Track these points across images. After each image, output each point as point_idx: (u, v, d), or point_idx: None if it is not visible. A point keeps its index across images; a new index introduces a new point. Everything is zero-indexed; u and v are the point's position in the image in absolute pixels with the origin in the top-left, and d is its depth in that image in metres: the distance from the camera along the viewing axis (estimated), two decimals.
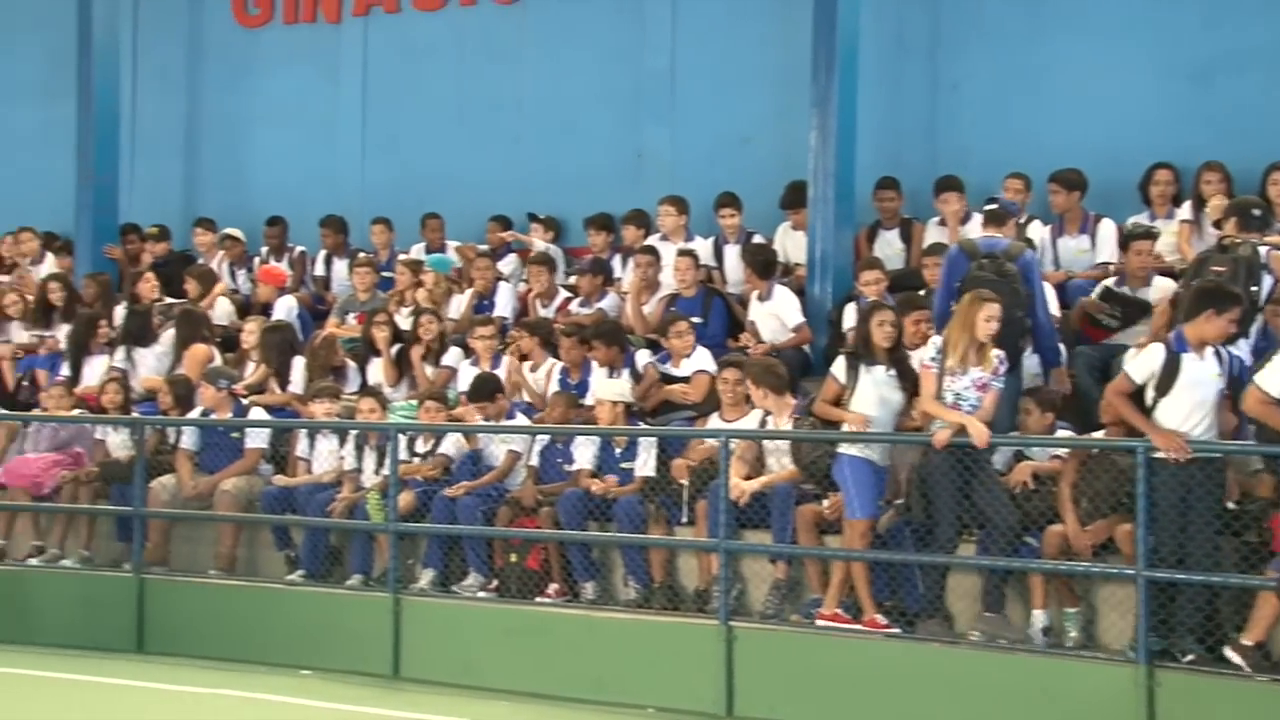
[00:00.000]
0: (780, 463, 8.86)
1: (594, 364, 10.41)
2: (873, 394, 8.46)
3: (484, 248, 12.80)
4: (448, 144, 14.27)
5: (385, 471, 9.75)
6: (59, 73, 14.89)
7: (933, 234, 10.97)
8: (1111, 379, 8.11)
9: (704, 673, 8.44)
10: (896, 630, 8.18)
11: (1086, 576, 7.91)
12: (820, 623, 8.34)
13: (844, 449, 8.35)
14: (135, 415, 11.18)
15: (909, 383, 8.47)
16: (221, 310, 12.91)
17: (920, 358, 8.30)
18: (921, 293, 9.57)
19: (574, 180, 13.41)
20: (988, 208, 9.03)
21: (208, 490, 10.55)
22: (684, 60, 13.12)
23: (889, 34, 11.96)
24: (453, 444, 10.10)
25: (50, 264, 14.21)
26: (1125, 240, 9.98)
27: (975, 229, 9.83)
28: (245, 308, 13.20)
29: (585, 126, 13.65)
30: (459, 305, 12.10)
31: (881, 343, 8.52)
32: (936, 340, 8.17)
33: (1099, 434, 8.22)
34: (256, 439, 10.75)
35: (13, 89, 16.05)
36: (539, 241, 12.90)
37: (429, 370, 11.20)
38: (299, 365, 11.48)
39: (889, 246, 11.18)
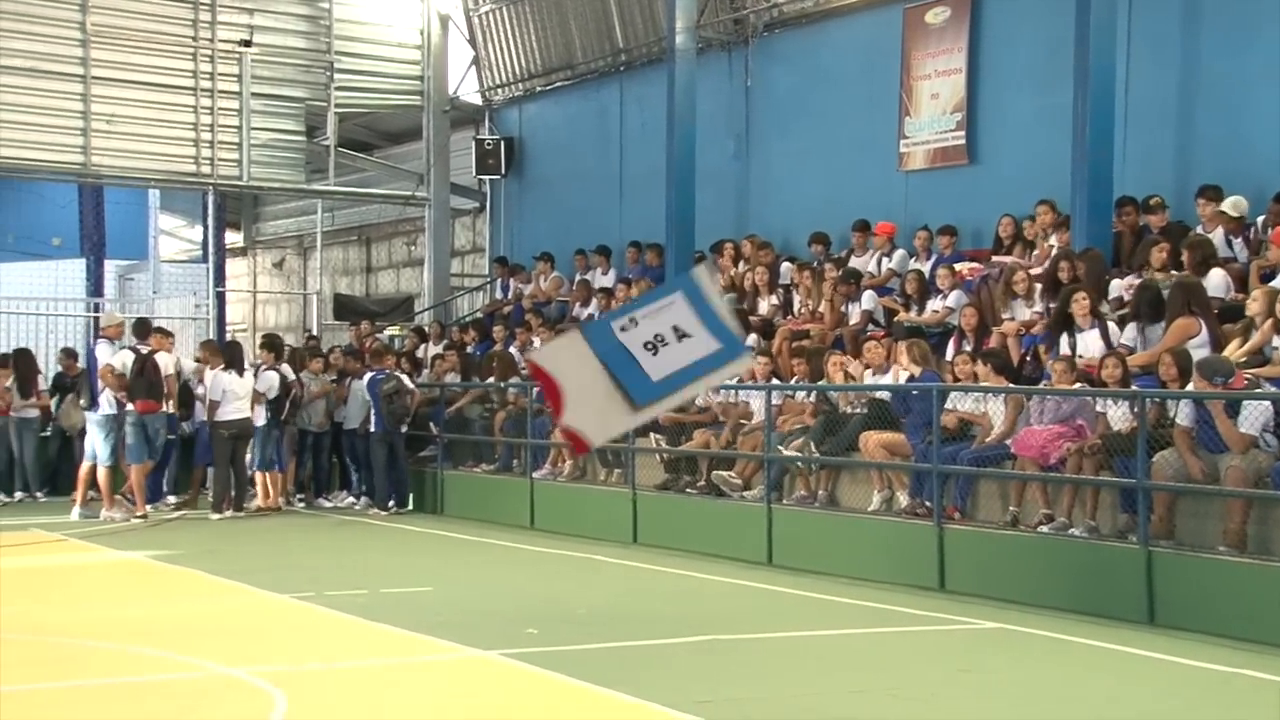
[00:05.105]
0: None
1: None
2: None
3: None
4: None
5: None
6: (1057, 59, 15.42)
7: None
8: None
9: None
10: None
11: None
12: None
13: None
14: (1134, 389, 11.25)
15: None
16: (1216, 281, 12.63)
17: None
18: None
19: None
20: None
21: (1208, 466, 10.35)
22: None
23: None
24: None
25: (1054, 239, 14.78)
26: None
27: None
28: (1243, 278, 12.81)
29: None
30: None
31: None
32: None
33: None
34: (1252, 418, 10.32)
35: (1015, 78, 16.89)
36: None
37: None
38: None
39: None
